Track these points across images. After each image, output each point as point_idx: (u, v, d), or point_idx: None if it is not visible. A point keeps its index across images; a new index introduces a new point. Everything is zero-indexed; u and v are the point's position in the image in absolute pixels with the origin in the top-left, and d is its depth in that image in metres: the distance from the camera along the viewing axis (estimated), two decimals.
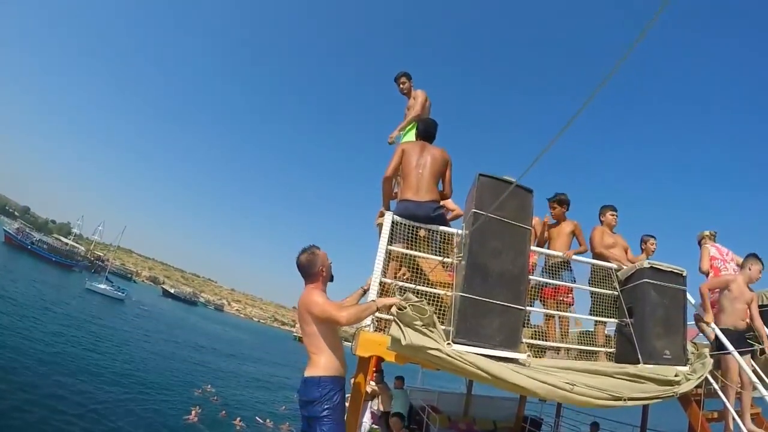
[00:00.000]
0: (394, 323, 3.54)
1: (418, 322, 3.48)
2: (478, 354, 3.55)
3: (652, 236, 6.37)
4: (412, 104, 5.88)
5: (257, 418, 21.02)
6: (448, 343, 3.51)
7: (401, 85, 6.06)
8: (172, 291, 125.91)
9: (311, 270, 3.55)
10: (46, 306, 33.86)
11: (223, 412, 20.02)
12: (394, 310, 3.57)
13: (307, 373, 3.34)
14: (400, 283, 4.09)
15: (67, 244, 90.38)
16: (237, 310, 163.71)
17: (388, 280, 4.10)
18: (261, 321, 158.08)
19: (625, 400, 3.80)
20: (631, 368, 4.13)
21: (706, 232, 6.63)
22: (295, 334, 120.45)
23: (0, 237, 73.44)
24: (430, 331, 3.52)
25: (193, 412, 17.97)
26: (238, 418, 19.10)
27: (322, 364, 3.35)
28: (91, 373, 20.17)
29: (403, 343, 3.40)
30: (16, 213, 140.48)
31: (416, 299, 3.57)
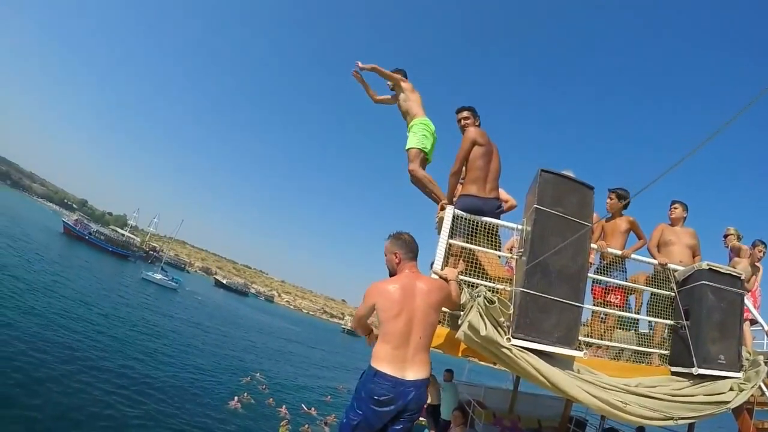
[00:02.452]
0: (474, 312, 3.61)
1: (502, 318, 3.62)
2: (538, 354, 3.65)
3: (763, 242, 6.15)
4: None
5: (303, 405, 21.59)
6: (508, 338, 3.61)
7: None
8: (224, 281, 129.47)
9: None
10: (104, 293, 35.83)
11: (270, 399, 20.64)
12: (482, 301, 3.61)
13: (424, 374, 3.19)
14: (462, 278, 4.13)
15: (123, 235, 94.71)
16: (287, 301, 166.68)
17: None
18: (310, 313, 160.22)
19: (676, 420, 3.87)
20: (687, 389, 4.13)
21: (733, 231, 6.46)
22: (343, 326, 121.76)
23: (59, 228, 76.64)
24: (501, 327, 3.65)
25: (236, 399, 18.64)
26: (284, 406, 19.66)
27: (429, 362, 3.29)
28: (145, 356, 21.43)
29: (482, 333, 3.50)
30: (74, 205, 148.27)
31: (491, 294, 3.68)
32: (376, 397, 3.06)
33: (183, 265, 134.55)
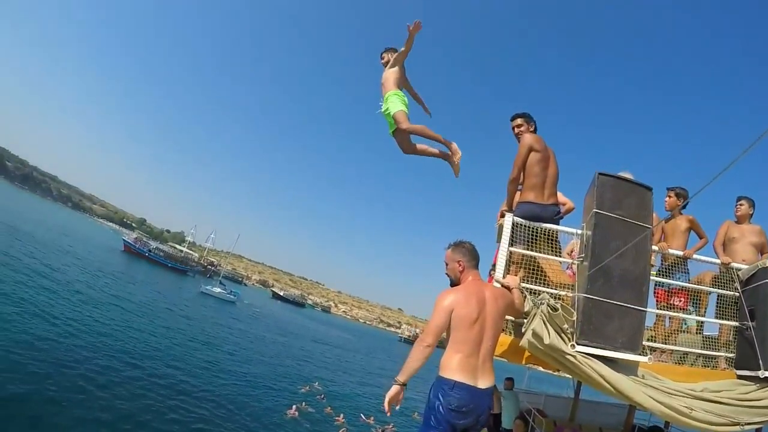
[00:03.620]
0: (538, 320, 3.63)
1: (566, 325, 3.64)
2: (603, 360, 3.62)
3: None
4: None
5: (361, 415, 21.67)
6: (572, 345, 3.62)
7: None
8: (281, 293, 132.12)
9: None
10: (165, 307, 37.28)
11: (328, 408, 20.76)
12: (545, 308, 3.63)
13: (492, 382, 3.22)
14: (524, 285, 4.15)
15: (181, 251, 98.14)
16: (344, 311, 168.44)
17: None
18: (367, 322, 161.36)
19: (743, 425, 3.72)
20: (753, 393, 3.96)
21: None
22: (400, 335, 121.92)
23: (120, 246, 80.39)
24: (565, 334, 3.67)
25: (294, 407, 18.79)
26: (341, 415, 19.73)
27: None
28: (204, 366, 22.00)
29: (546, 341, 3.52)
30: (133, 224, 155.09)
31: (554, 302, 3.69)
32: (456, 409, 3.00)
33: (240, 279, 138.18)
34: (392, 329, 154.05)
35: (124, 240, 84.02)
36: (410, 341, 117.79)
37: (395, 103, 4.81)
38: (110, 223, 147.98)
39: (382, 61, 5.14)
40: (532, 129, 4.87)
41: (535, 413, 8.67)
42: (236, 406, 17.50)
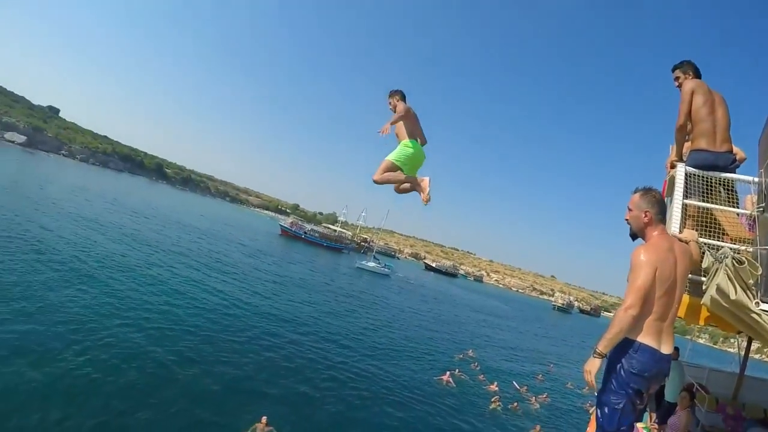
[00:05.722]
0: (723, 275, 3.38)
1: (751, 281, 3.36)
2: None
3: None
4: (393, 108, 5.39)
5: (514, 383, 21.70)
6: (756, 303, 3.31)
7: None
8: (433, 265, 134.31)
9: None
10: (324, 282, 40.41)
11: (481, 376, 21.08)
12: (729, 262, 3.36)
13: (672, 348, 3.02)
14: (703, 240, 3.92)
15: (335, 230, 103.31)
16: (496, 280, 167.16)
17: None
18: (519, 290, 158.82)
19: None
20: None
21: None
22: (554, 303, 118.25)
23: (277, 231, 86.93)
24: (750, 290, 3.37)
25: (448, 374, 19.23)
26: (495, 383, 19.89)
27: None
28: (363, 334, 23.58)
29: (732, 297, 3.26)
30: (288, 210, 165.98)
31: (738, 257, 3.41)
32: (638, 373, 2.84)
33: (393, 253, 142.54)
34: (545, 297, 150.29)
35: (280, 225, 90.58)
36: (564, 309, 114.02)
37: (395, 152, 5.01)
38: (266, 211, 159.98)
39: (390, 107, 5.27)
40: (691, 76, 4.58)
41: (698, 388, 8.04)
42: (392, 372, 18.45)
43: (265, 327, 19.47)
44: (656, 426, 7.12)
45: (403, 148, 4.98)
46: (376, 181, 4.96)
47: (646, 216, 3.09)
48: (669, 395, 7.94)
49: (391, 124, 4.81)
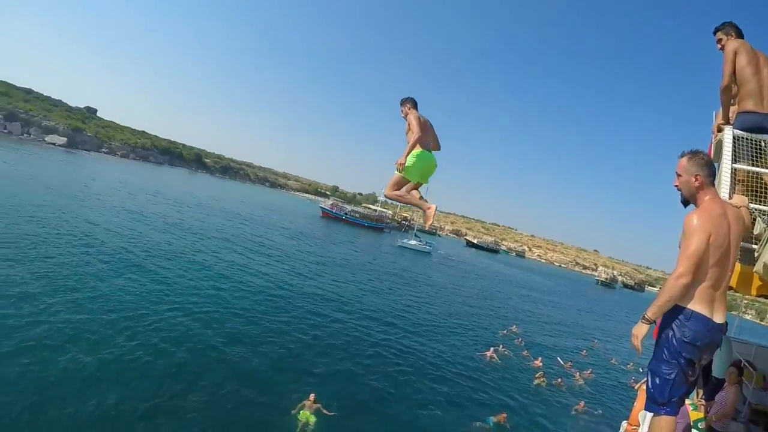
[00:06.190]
0: None
1: None
2: None
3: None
4: (408, 127, 5.32)
5: (558, 359, 21.63)
6: None
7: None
8: (474, 241, 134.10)
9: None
10: (367, 261, 41.07)
11: (525, 351, 21.05)
12: None
13: (724, 317, 2.94)
14: (754, 206, 3.81)
15: (375, 210, 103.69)
16: (538, 255, 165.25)
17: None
18: (562, 265, 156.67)
19: None
20: None
21: None
22: (597, 277, 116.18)
23: (318, 213, 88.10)
24: None
25: (491, 350, 19.28)
26: (539, 359, 19.89)
27: None
28: (406, 312, 23.70)
29: None
30: (327, 192, 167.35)
31: None
32: (691, 342, 2.78)
33: (434, 230, 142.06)
34: (588, 272, 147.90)
35: (321, 207, 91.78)
36: (608, 283, 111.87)
37: (408, 166, 4.99)
38: (306, 195, 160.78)
39: (402, 114, 5.28)
40: (733, 37, 4.45)
41: (745, 364, 7.79)
42: (435, 348, 18.61)
43: (309, 307, 19.88)
44: (703, 402, 6.93)
45: (412, 158, 4.98)
46: (387, 197, 5.13)
47: (696, 180, 2.99)
48: (717, 371, 7.73)
49: (407, 155, 4.88)
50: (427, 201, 5.19)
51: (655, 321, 2.86)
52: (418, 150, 4.99)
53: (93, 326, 12.38)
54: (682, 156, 3.11)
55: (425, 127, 5.10)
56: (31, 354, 10.22)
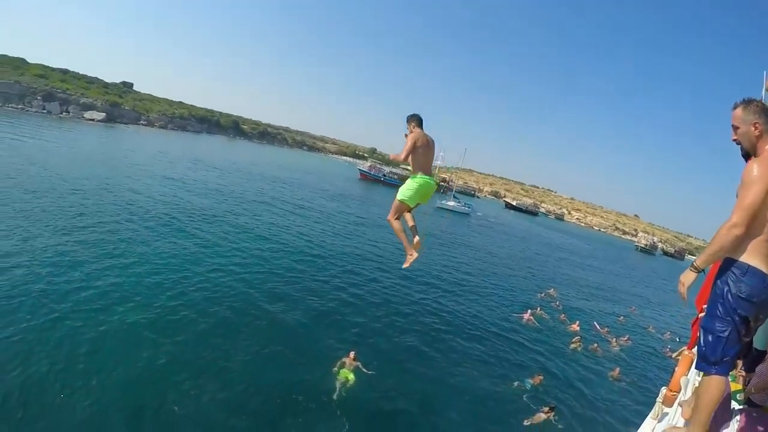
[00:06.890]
0: None
1: None
2: None
3: None
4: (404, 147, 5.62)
5: (595, 323, 21.50)
6: None
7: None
8: (513, 203, 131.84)
9: None
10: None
11: (562, 315, 21.00)
12: None
13: None
14: None
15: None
16: (577, 219, 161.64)
17: None
18: (601, 230, 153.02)
19: None
20: None
21: None
22: (636, 243, 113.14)
23: (356, 175, 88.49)
24: None
25: (529, 312, 19.36)
26: (576, 323, 19.84)
27: None
28: (446, 273, 23.83)
29: None
30: (365, 154, 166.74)
31: None
32: (747, 298, 2.65)
33: (473, 192, 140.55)
34: (628, 237, 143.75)
35: (359, 169, 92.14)
36: (647, 250, 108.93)
37: (403, 188, 5.58)
38: (344, 157, 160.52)
39: (407, 131, 5.60)
40: None
41: None
42: (473, 309, 18.86)
43: (348, 266, 20.35)
44: (743, 373, 6.80)
45: (410, 182, 5.51)
46: (388, 222, 5.64)
47: (756, 128, 2.79)
48: (758, 342, 7.56)
49: (404, 159, 5.37)
50: (415, 245, 5.80)
51: (703, 270, 2.80)
52: (418, 177, 5.45)
53: (140, 289, 12.98)
54: (735, 107, 2.91)
55: (425, 149, 5.48)
56: (84, 316, 10.84)
